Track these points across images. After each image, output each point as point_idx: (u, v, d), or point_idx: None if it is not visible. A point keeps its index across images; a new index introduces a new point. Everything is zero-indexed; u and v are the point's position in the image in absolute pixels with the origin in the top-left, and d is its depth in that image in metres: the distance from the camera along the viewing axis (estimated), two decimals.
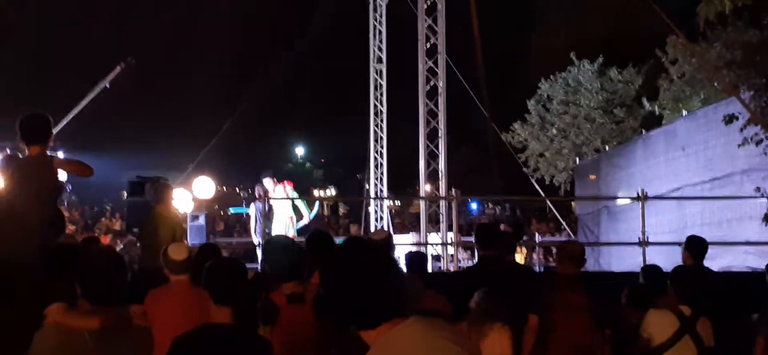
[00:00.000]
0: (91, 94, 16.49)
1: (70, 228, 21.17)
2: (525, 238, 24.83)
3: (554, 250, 6.56)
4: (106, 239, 20.26)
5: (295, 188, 15.92)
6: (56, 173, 6.86)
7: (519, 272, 7.10)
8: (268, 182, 15.44)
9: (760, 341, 5.44)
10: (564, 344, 6.13)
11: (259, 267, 14.82)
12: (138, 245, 11.02)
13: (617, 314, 6.79)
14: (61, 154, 14.80)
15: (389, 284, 2.73)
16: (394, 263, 2.84)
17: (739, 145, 15.03)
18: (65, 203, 27.25)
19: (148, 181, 12.20)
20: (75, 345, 4.29)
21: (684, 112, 20.84)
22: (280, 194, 15.42)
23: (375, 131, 24.48)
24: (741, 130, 14.68)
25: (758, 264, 12.35)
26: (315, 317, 5.32)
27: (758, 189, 14.73)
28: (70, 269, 4.63)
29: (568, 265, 6.52)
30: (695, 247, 7.76)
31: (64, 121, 16.07)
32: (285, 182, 15.90)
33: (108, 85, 16.27)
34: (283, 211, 15.55)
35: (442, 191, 20.01)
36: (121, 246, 15.19)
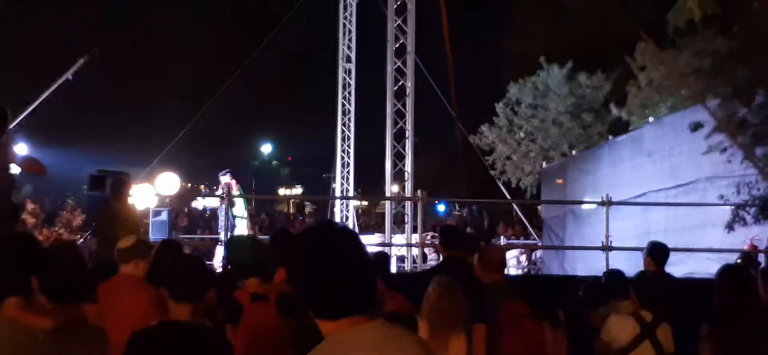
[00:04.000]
0: (54, 85, 16.25)
1: (31, 221, 20.92)
2: (494, 241, 24.95)
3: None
4: (64, 233, 20.08)
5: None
6: (9, 165, 6.76)
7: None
8: (225, 179, 15.61)
9: (706, 350, 5.44)
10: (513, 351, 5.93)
11: (214, 264, 14.88)
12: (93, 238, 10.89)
13: (578, 316, 6.80)
14: (24, 148, 14.60)
15: (356, 273, 2.56)
16: (365, 254, 2.63)
17: (703, 153, 15.17)
18: (28, 196, 26.93)
19: (109, 175, 12.06)
20: (28, 341, 4.23)
21: (651, 119, 20.99)
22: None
23: (342, 130, 24.45)
24: (706, 137, 14.81)
25: None
26: (278, 315, 5.28)
27: (722, 196, 14.87)
28: (27, 262, 4.55)
29: (493, 274, 6.30)
30: (657, 253, 7.78)
31: (26, 113, 15.82)
32: (234, 180, 15.98)
33: (71, 78, 16.03)
34: (240, 209, 15.75)
35: (408, 192, 19.99)
36: (81, 241, 15.00)
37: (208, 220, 19.56)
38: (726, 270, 5.99)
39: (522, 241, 26.58)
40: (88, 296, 5.21)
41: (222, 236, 15.54)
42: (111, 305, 5.36)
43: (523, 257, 24.13)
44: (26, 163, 7.10)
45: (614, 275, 7.35)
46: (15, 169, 6.87)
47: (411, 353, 2.56)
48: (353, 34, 24.08)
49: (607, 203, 12.93)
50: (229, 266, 5.87)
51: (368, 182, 36.89)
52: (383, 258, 8.47)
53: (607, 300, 7.16)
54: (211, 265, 14.75)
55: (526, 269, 24.05)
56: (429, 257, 19.75)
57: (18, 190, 9.34)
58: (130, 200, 9.61)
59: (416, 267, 14.51)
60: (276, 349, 5.27)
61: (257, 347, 5.25)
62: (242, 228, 15.73)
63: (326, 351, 2.52)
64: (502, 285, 6.20)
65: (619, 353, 5.97)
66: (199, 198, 17.61)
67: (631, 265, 9.21)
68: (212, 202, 16.82)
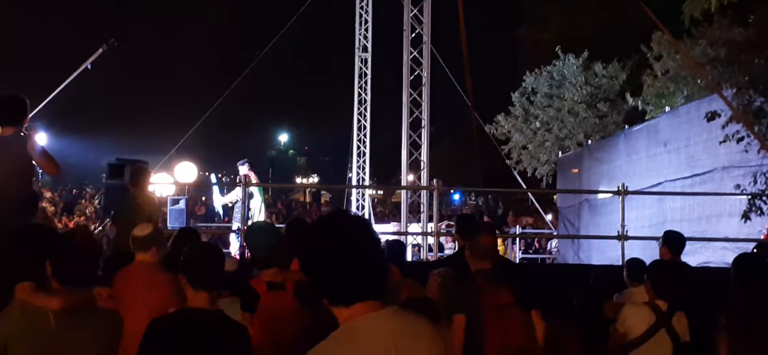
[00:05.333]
0: (73, 75, 16.35)
1: (50, 209, 21.09)
2: (512, 229, 24.99)
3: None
4: (81, 220, 20.22)
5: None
6: (29, 155, 6.83)
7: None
8: (243, 169, 15.75)
9: (724, 340, 5.43)
10: (497, 348, 5.69)
11: (231, 252, 14.99)
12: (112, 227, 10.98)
13: (592, 306, 6.81)
14: (43, 137, 14.72)
15: (368, 260, 2.58)
16: (377, 241, 2.66)
17: (720, 142, 15.12)
18: (48, 185, 27.13)
19: (128, 164, 12.13)
20: (39, 323, 4.32)
21: (667, 109, 20.93)
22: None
23: (359, 120, 24.47)
24: (723, 127, 14.76)
25: None
26: (295, 304, 5.32)
27: (738, 186, 14.83)
28: (42, 249, 4.62)
29: (482, 261, 5.94)
30: (673, 242, 7.78)
31: (44, 102, 15.94)
32: (252, 171, 16.16)
33: (89, 67, 16.13)
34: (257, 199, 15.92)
35: (424, 181, 20.01)
36: (100, 228, 15.11)
37: (226, 209, 19.67)
38: (742, 260, 5.98)
39: (537, 230, 26.58)
40: (100, 281, 5.28)
41: (235, 226, 15.68)
42: (128, 293, 5.43)
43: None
44: (41, 160, 7.13)
45: (635, 263, 7.37)
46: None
47: (426, 338, 2.60)
48: (369, 25, 24.08)
49: (623, 192, 12.90)
50: (248, 255, 5.91)
51: (384, 171, 36.98)
52: (399, 246, 8.50)
53: (619, 288, 7.19)
54: (228, 253, 14.85)
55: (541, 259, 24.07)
56: (446, 247, 19.76)
57: (37, 177, 9.43)
58: (149, 189, 9.67)
59: (432, 256, 14.52)
60: (293, 337, 5.29)
61: (274, 336, 5.28)
62: (259, 217, 15.85)
63: (342, 337, 2.55)
64: (488, 273, 5.88)
65: (634, 342, 5.97)
66: (216, 198, 17.78)
67: (646, 254, 9.22)
68: (229, 200, 16.94)
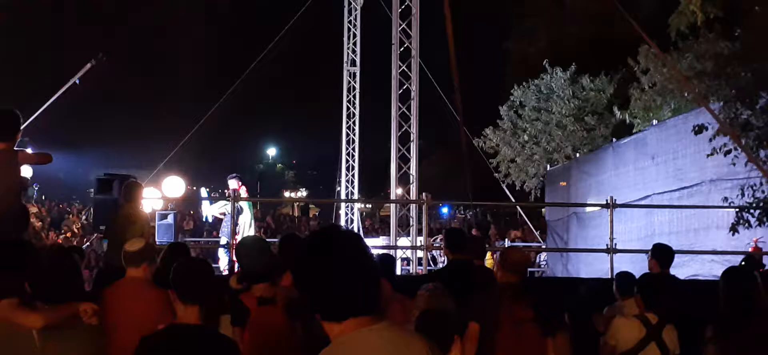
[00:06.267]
0: (61, 90, 16.34)
1: (37, 224, 20.98)
2: (498, 243, 25.00)
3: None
4: (68, 236, 20.13)
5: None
6: (20, 170, 6.84)
7: (487, 277, 7.09)
8: (233, 184, 15.74)
9: (711, 352, 5.45)
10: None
11: (219, 266, 14.96)
12: (103, 242, 10.95)
13: (581, 319, 6.82)
14: (29, 150, 14.70)
15: (361, 275, 2.57)
16: (370, 256, 2.65)
17: (707, 155, 15.18)
18: (33, 200, 27.01)
19: (117, 178, 12.12)
20: (21, 341, 4.31)
21: (654, 122, 21.02)
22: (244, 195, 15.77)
23: (347, 134, 24.48)
24: (710, 140, 14.82)
25: None
26: (286, 319, 5.31)
27: (726, 199, 14.88)
28: (21, 266, 4.62)
29: (510, 274, 6.29)
30: (662, 255, 7.80)
31: (33, 117, 15.91)
32: (243, 186, 16.16)
33: (78, 82, 16.12)
34: (246, 213, 15.95)
35: (413, 195, 20.01)
36: (88, 243, 15.06)
37: (214, 223, 19.60)
38: (731, 273, 6.01)
39: (526, 243, 26.62)
40: (90, 296, 5.26)
41: (224, 241, 15.66)
42: (118, 308, 5.41)
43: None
44: (33, 158, 7.24)
45: (625, 277, 7.39)
46: (26, 170, 6.98)
47: (419, 354, 2.60)
48: (358, 39, 24.12)
49: (612, 205, 12.94)
50: (239, 271, 5.89)
51: (372, 184, 36.98)
52: (389, 261, 8.51)
53: (610, 301, 7.21)
54: (217, 267, 14.82)
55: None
56: (438, 261, 19.76)
57: (29, 191, 9.48)
58: (141, 205, 9.65)
59: (422, 269, 14.52)
60: (283, 352, 5.29)
61: (264, 351, 5.27)
62: (248, 232, 15.82)
63: (334, 353, 2.55)
64: (513, 286, 6.18)
65: None
66: (205, 205, 17.78)
67: (635, 267, 9.25)
68: (218, 209, 16.92)
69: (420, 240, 17.21)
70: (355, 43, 24.20)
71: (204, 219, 17.90)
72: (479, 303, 5.88)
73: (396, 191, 20.92)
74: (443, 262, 19.28)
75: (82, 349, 4.53)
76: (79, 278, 5.63)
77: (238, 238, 13.85)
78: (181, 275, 4.40)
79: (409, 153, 20.11)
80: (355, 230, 22.95)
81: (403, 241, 19.67)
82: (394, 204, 21.15)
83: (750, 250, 14.08)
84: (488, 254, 18.15)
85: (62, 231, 22.79)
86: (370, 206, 43.19)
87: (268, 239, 10.22)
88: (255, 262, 5.57)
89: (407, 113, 20.08)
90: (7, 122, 6.86)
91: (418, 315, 4.88)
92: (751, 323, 5.40)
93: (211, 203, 18.09)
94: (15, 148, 6.89)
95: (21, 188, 7.04)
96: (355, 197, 24.58)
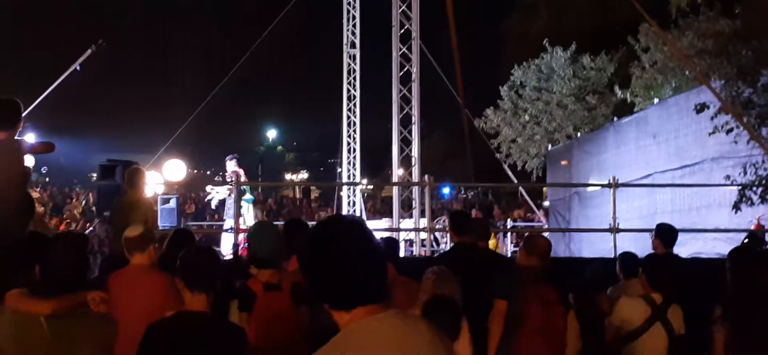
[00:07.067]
0: (62, 76, 16.31)
1: (40, 210, 21.01)
2: (499, 223, 25.02)
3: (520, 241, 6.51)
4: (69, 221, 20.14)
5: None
6: (23, 159, 6.83)
7: (492, 258, 7.11)
8: (231, 165, 15.69)
9: (720, 332, 5.44)
10: (536, 332, 6.13)
11: (222, 251, 14.93)
12: (107, 229, 10.94)
13: (587, 300, 6.84)
14: (32, 137, 14.70)
15: (369, 265, 2.57)
16: (376, 245, 2.64)
17: (709, 134, 15.18)
18: (39, 186, 27.02)
19: (119, 164, 12.09)
20: (30, 330, 4.33)
21: (655, 100, 21.00)
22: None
23: (348, 116, 24.43)
24: (712, 118, 14.81)
25: (727, 251, 12.49)
26: (292, 304, 5.32)
27: (728, 177, 14.89)
28: (30, 255, 4.62)
29: (534, 259, 6.46)
30: (665, 234, 7.80)
31: (34, 104, 15.90)
32: (241, 169, 16.09)
33: (79, 68, 16.09)
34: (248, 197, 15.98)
35: (415, 177, 20.01)
36: (91, 229, 15.06)
37: (216, 207, 19.60)
38: (738, 251, 6.00)
39: (528, 223, 26.64)
40: (95, 284, 5.26)
41: (228, 224, 15.63)
42: (123, 295, 5.40)
43: None
44: (36, 147, 7.25)
45: (628, 257, 7.40)
46: (29, 159, 6.96)
47: (429, 341, 2.60)
48: (357, 20, 24.02)
49: (614, 184, 12.91)
50: (249, 256, 5.87)
51: (374, 165, 36.99)
52: (393, 243, 8.53)
53: (614, 281, 7.22)
54: (220, 252, 14.82)
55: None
56: (442, 242, 19.77)
57: (32, 178, 9.49)
58: (145, 190, 9.63)
59: (426, 251, 14.52)
60: (290, 338, 5.29)
61: (271, 336, 5.26)
62: (251, 215, 15.81)
63: (344, 342, 2.53)
64: (536, 270, 6.37)
65: (630, 335, 6.00)
66: (209, 189, 17.65)
67: (637, 246, 9.26)
68: (222, 192, 16.78)
69: (423, 222, 17.23)
70: (354, 25, 24.09)
71: (213, 205, 17.71)
72: (507, 282, 6.19)
73: (398, 173, 20.92)
74: (446, 243, 19.35)
75: (91, 337, 4.53)
76: (87, 267, 5.63)
77: (241, 221, 13.88)
78: (188, 264, 4.40)
79: (411, 135, 20.09)
80: (358, 212, 22.96)
81: (406, 222, 19.67)
82: (396, 186, 21.14)
83: (753, 227, 14.09)
84: (492, 234, 18.15)
85: (64, 216, 22.80)
86: (372, 186, 43.20)
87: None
88: (268, 248, 5.56)
89: (408, 95, 20.04)
90: (8, 111, 6.83)
91: (425, 301, 4.90)
92: (760, 302, 5.41)
93: (251, 202, 17.66)
94: (16, 138, 6.87)
95: (25, 177, 7.02)
96: (357, 178, 24.54)
